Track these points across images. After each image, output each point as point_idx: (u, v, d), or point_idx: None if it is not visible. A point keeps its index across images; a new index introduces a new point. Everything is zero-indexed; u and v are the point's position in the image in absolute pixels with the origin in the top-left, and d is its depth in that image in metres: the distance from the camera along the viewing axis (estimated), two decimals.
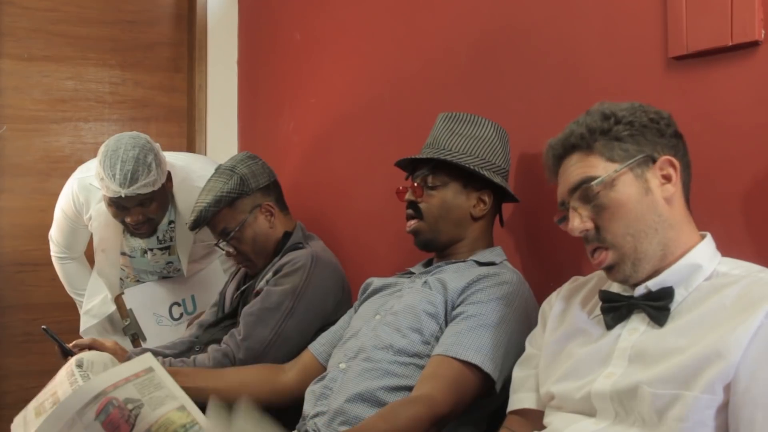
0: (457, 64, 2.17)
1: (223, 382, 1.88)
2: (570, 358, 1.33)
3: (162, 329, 2.73)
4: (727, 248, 1.31)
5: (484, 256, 1.80)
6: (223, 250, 2.30)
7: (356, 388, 1.64)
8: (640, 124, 1.29)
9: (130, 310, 2.74)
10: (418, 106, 2.32)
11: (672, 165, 1.27)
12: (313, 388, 1.76)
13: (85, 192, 2.65)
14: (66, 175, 3.24)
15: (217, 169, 2.29)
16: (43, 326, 2.00)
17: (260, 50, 3.38)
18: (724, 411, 1.11)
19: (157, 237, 2.68)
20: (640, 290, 1.26)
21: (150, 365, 1.09)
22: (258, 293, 2.15)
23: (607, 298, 1.31)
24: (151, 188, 2.42)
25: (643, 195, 1.25)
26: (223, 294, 2.43)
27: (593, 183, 1.26)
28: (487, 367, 1.56)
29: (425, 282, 1.76)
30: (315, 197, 2.88)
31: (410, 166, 1.90)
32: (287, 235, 2.27)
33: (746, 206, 1.44)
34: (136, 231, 2.56)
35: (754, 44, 1.41)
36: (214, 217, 2.21)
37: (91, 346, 1.98)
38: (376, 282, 1.92)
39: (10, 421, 1.56)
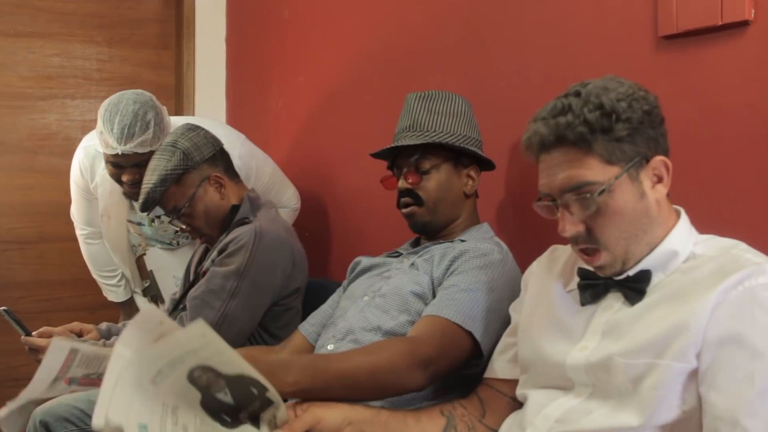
0: (446, 42, 2.16)
1: None
2: (546, 324, 1.35)
3: None
4: (715, 226, 1.31)
5: (471, 235, 1.80)
6: (177, 227, 2.25)
7: None
8: (638, 120, 1.22)
9: (151, 271, 2.73)
10: (406, 85, 2.31)
11: (666, 166, 1.25)
12: None
13: (90, 159, 2.59)
14: (53, 153, 3.24)
15: (159, 147, 2.22)
16: (3, 308, 1.97)
17: (249, 27, 3.36)
18: (695, 378, 1.13)
19: None
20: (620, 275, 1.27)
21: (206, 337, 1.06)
22: (205, 273, 2.11)
23: (585, 275, 1.32)
24: (148, 147, 2.32)
25: (639, 200, 1.23)
26: (188, 271, 2.38)
27: (595, 193, 1.21)
28: (470, 326, 1.56)
29: (413, 264, 1.76)
30: (303, 175, 2.87)
31: (390, 153, 1.87)
32: (235, 208, 2.20)
33: (734, 185, 1.45)
34: (131, 191, 2.45)
35: (744, 24, 1.42)
36: (163, 196, 2.14)
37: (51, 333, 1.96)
38: (364, 261, 1.92)
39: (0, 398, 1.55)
